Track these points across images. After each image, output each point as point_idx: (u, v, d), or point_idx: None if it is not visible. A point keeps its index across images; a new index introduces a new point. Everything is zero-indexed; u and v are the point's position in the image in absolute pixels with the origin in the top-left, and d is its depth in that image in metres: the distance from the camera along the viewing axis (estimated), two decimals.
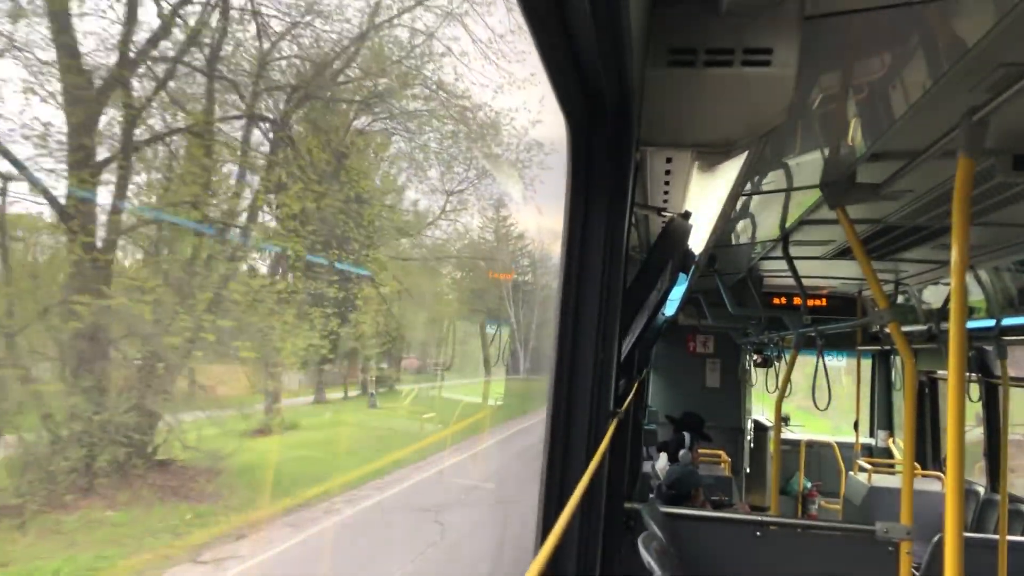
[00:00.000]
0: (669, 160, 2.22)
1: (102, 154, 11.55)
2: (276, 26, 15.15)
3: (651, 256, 2.10)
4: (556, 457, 1.58)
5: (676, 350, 11.23)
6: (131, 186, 12.27)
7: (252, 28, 14.36)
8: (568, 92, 1.38)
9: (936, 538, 4.60)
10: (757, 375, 11.89)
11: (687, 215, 2.33)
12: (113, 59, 11.66)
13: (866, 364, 10.58)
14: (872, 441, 10.68)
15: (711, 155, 1.95)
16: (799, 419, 12.95)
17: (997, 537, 4.57)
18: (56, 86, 10.92)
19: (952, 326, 2.19)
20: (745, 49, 1.60)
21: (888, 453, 10.30)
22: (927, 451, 8.82)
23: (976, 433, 7.15)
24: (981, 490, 6.95)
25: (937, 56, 1.93)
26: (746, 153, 1.92)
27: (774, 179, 3.28)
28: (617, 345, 1.75)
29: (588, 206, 1.63)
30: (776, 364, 10.89)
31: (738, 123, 1.74)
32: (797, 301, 6.91)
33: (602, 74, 1.33)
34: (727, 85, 1.65)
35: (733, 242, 5.23)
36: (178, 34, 12.98)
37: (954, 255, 2.18)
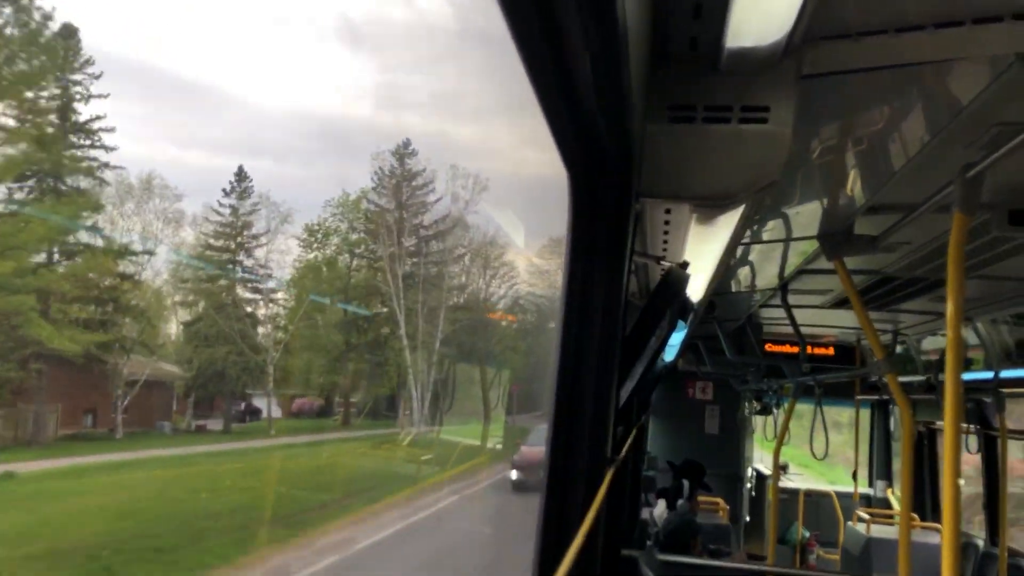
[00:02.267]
0: (668, 211, 2.26)
1: None
2: None
3: (650, 304, 2.13)
4: (554, 503, 1.59)
5: (675, 396, 11.21)
6: None
7: None
8: (570, 146, 1.42)
9: None
10: (756, 422, 11.86)
11: (685, 265, 2.36)
12: None
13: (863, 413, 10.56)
14: (871, 491, 10.61)
15: (709, 208, 1.99)
16: (799, 466, 12.87)
17: None
18: None
19: (948, 378, 2.21)
20: (743, 107, 1.65)
21: (887, 503, 10.23)
22: (927, 502, 8.76)
23: (976, 485, 7.10)
24: (981, 543, 6.89)
25: (932, 114, 1.98)
26: (743, 206, 1.96)
27: (773, 229, 3.32)
28: (615, 392, 1.77)
29: (589, 256, 1.66)
30: (775, 411, 10.87)
31: (735, 178, 1.78)
32: (795, 349, 6.92)
33: (603, 129, 1.38)
34: (725, 141, 1.70)
35: (732, 290, 5.26)
36: None
37: (949, 308, 2.21)
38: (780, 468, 8.03)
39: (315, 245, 41.31)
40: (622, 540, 4.33)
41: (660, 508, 8.00)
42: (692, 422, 11.37)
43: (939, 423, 8.27)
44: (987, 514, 6.89)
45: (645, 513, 8.13)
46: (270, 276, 39.21)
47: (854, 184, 2.62)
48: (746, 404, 11.46)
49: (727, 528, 8.83)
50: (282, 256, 40.09)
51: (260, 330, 38.83)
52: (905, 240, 3.33)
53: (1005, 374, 5.29)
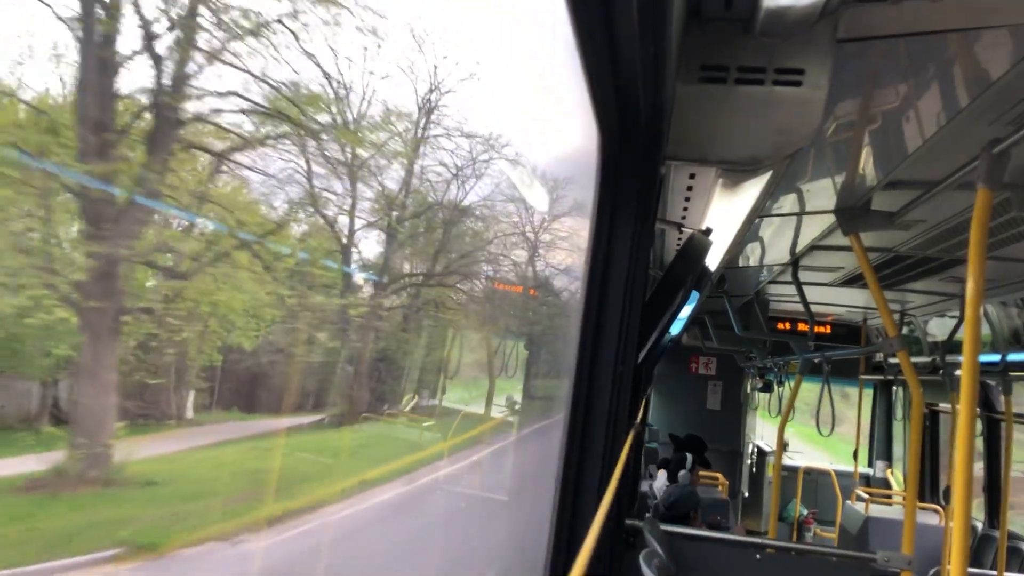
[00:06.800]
0: (692, 176, 2.23)
1: None
2: None
3: (671, 271, 2.11)
4: (572, 464, 1.59)
5: (678, 370, 11.23)
6: None
7: None
8: (605, 105, 1.40)
9: (933, 571, 4.59)
10: (759, 399, 11.89)
11: (708, 232, 2.34)
12: None
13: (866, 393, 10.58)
14: (870, 471, 10.65)
15: (735, 173, 1.97)
16: (799, 445, 12.93)
17: (995, 573, 4.56)
18: None
19: (965, 358, 2.18)
20: (777, 69, 1.62)
21: (886, 484, 10.27)
22: (926, 483, 8.80)
23: (975, 468, 7.10)
24: (979, 525, 6.93)
25: (960, 87, 1.94)
26: (769, 173, 1.93)
27: (787, 203, 3.29)
28: (635, 358, 1.76)
29: (615, 217, 1.64)
30: (778, 389, 10.88)
31: (765, 142, 1.76)
32: (803, 327, 6.90)
33: (639, 88, 1.35)
34: (757, 103, 1.67)
35: (742, 264, 5.24)
36: None
37: (969, 287, 2.18)
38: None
39: None
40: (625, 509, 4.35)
41: (660, 480, 8.04)
42: (694, 397, 11.41)
43: (942, 405, 8.28)
44: (987, 497, 6.90)
45: (644, 486, 8.18)
46: None
47: (876, 157, 2.59)
48: (749, 381, 11.48)
49: (726, 502, 8.88)
50: None
51: None
52: (921, 218, 3.31)
53: (1012, 357, 5.28)
